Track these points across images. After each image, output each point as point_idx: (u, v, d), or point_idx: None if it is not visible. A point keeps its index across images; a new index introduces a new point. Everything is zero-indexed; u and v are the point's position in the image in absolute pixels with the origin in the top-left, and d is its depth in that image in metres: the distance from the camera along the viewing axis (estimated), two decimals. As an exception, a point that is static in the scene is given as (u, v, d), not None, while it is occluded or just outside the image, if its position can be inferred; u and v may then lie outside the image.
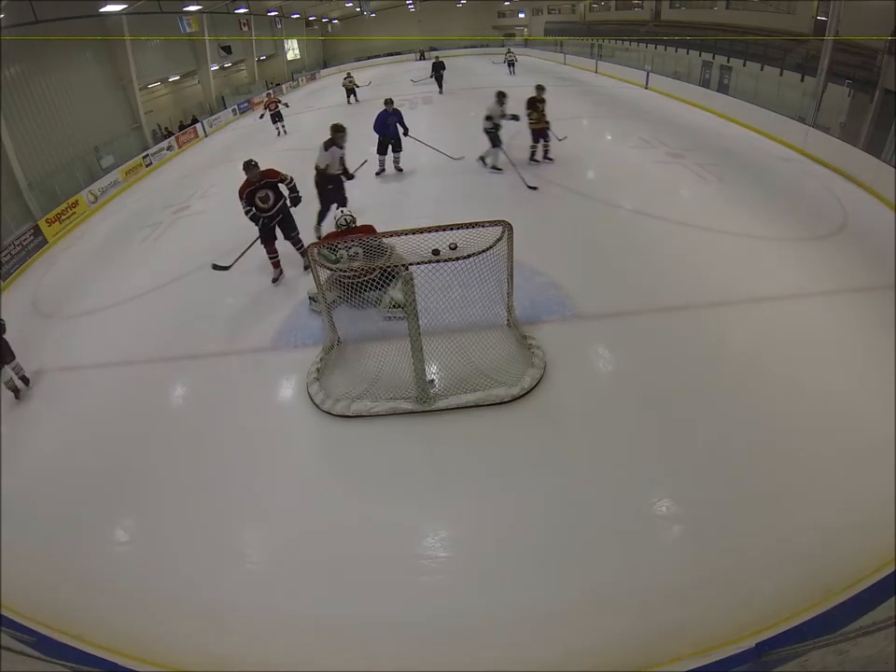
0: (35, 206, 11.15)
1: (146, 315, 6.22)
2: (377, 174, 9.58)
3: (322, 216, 6.94)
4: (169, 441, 4.25)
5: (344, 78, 18.90)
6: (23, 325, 6.72)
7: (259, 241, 6.14)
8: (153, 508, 3.71)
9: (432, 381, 4.22)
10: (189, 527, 3.50)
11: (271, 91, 18.23)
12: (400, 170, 9.71)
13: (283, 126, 15.32)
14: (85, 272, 8.12)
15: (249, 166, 5.82)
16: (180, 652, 2.80)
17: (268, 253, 6.15)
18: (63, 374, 5.42)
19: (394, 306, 4.98)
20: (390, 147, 9.37)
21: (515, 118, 8.45)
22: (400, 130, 9.20)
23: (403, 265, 3.78)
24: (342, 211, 5.62)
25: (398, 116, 9.16)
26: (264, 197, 5.84)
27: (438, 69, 18.75)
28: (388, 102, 9.18)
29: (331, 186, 6.76)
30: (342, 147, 6.71)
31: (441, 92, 18.39)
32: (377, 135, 9.16)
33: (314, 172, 6.78)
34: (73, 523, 3.64)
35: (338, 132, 6.68)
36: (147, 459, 4.09)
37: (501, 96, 8.22)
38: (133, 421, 4.52)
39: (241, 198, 5.87)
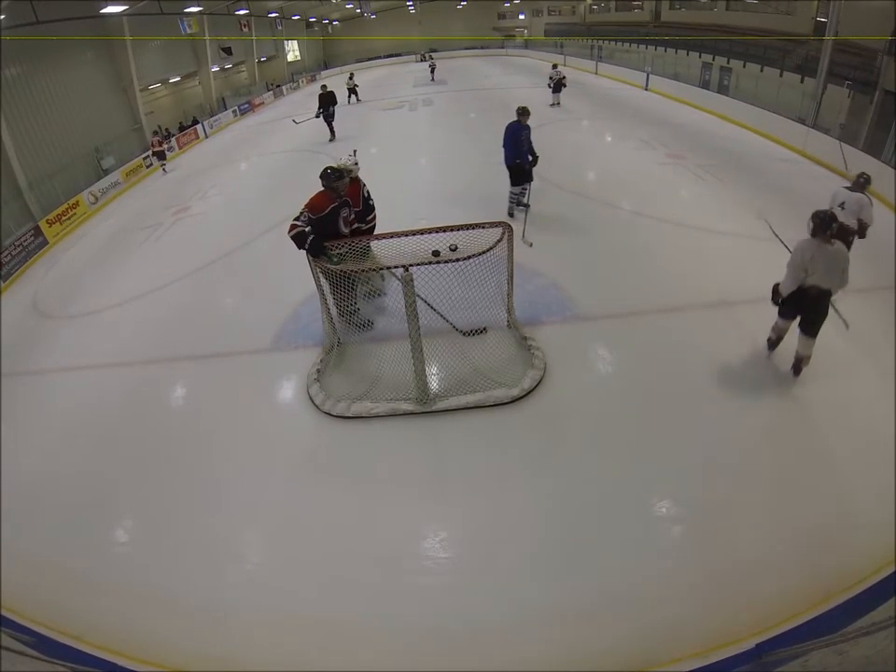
0: (35, 207, 11.17)
1: (146, 315, 6.22)
2: (510, 214, 7.18)
3: None
4: (168, 442, 4.25)
5: (348, 79, 19.30)
6: (23, 325, 6.74)
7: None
8: (153, 508, 3.71)
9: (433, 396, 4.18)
10: (188, 528, 3.50)
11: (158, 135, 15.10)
12: (527, 206, 7.18)
13: (164, 165, 14.31)
14: (85, 272, 8.13)
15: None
16: (180, 652, 2.80)
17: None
18: (63, 374, 5.42)
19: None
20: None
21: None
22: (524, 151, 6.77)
23: (403, 266, 3.78)
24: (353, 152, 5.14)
25: (529, 130, 6.76)
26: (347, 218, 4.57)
27: (326, 104, 12.82)
28: (522, 112, 6.64)
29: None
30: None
31: (332, 139, 13.24)
32: (507, 157, 6.86)
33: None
34: (73, 523, 3.64)
35: (867, 182, 4.88)
36: (147, 459, 4.09)
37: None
38: (132, 421, 4.52)
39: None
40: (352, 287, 4.59)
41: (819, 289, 3.64)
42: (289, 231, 4.24)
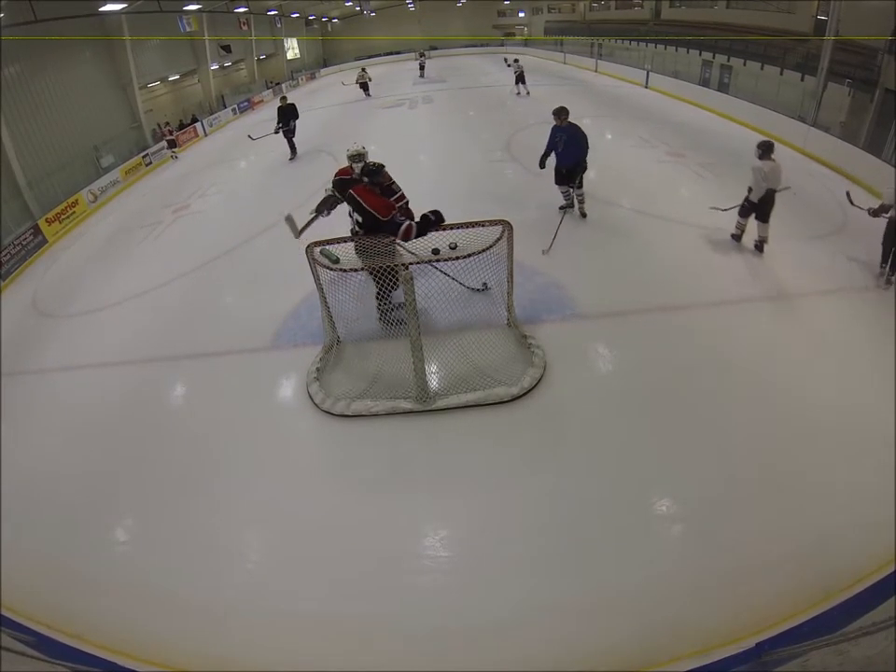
0: (34, 206, 11.14)
1: (145, 314, 6.21)
2: (561, 207, 7.06)
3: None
4: (168, 441, 4.24)
5: (362, 71, 20.55)
6: (23, 324, 6.73)
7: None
8: (153, 508, 3.71)
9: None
10: (188, 527, 3.50)
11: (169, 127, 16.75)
12: (584, 215, 7.02)
13: (174, 153, 15.86)
14: (85, 271, 8.12)
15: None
16: (180, 652, 2.80)
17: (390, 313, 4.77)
18: (63, 374, 5.42)
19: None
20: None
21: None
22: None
23: (403, 264, 3.77)
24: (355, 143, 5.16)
25: (569, 132, 6.43)
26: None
27: (287, 118, 11.45)
28: (559, 112, 6.45)
29: None
30: None
31: (293, 158, 11.94)
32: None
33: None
34: (73, 523, 3.64)
35: None
36: (147, 459, 4.09)
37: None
38: (132, 421, 4.52)
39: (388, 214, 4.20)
40: (394, 285, 4.43)
41: (771, 191, 5.52)
42: (409, 235, 4.14)
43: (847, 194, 5.84)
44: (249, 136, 12.79)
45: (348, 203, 4.60)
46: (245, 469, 3.86)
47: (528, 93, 16.10)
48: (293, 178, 10.60)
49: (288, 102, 11.66)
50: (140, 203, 11.44)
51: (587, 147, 6.52)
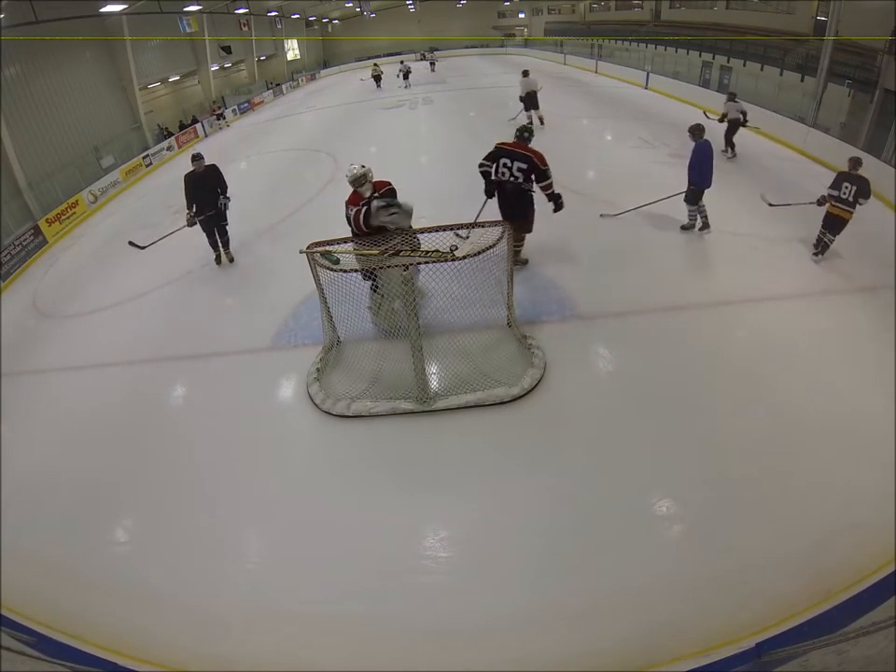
0: (35, 206, 11.15)
1: (145, 314, 6.22)
2: (686, 227, 6.55)
3: None
4: (168, 441, 4.25)
5: (374, 66, 23.35)
6: (23, 325, 6.74)
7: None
8: (153, 508, 3.71)
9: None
10: (188, 527, 3.50)
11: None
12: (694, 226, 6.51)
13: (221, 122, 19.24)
14: (85, 272, 8.13)
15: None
16: (180, 652, 2.80)
17: None
18: (63, 374, 5.42)
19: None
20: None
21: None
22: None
23: (403, 265, 3.77)
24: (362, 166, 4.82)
25: (694, 150, 6.02)
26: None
27: (208, 195, 6.73)
28: (696, 129, 5.96)
29: None
30: None
31: (219, 260, 7.17)
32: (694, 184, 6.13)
33: None
34: (73, 523, 3.64)
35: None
36: (147, 459, 4.09)
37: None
38: (132, 421, 4.52)
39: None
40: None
41: (531, 91, 11.23)
42: (550, 189, 5.43)
43: (705, 114, 8.79)
44: (131, 243, 7.14)
45: (502, 156, 5.27)
46: (244, 470, 3.86)
47: (409, 86, 21.03)
48: (293, 178, 10.55)
49: (205, 164, 6.77)
50: (140, 204, 11.44)
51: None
